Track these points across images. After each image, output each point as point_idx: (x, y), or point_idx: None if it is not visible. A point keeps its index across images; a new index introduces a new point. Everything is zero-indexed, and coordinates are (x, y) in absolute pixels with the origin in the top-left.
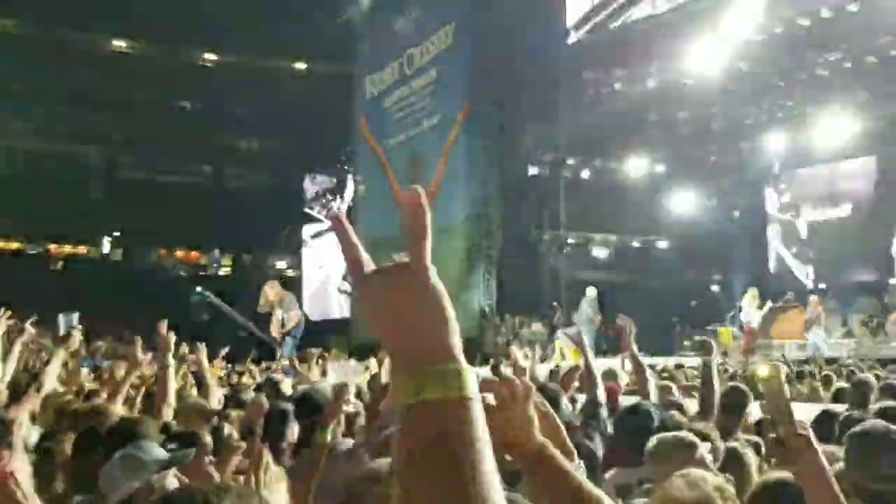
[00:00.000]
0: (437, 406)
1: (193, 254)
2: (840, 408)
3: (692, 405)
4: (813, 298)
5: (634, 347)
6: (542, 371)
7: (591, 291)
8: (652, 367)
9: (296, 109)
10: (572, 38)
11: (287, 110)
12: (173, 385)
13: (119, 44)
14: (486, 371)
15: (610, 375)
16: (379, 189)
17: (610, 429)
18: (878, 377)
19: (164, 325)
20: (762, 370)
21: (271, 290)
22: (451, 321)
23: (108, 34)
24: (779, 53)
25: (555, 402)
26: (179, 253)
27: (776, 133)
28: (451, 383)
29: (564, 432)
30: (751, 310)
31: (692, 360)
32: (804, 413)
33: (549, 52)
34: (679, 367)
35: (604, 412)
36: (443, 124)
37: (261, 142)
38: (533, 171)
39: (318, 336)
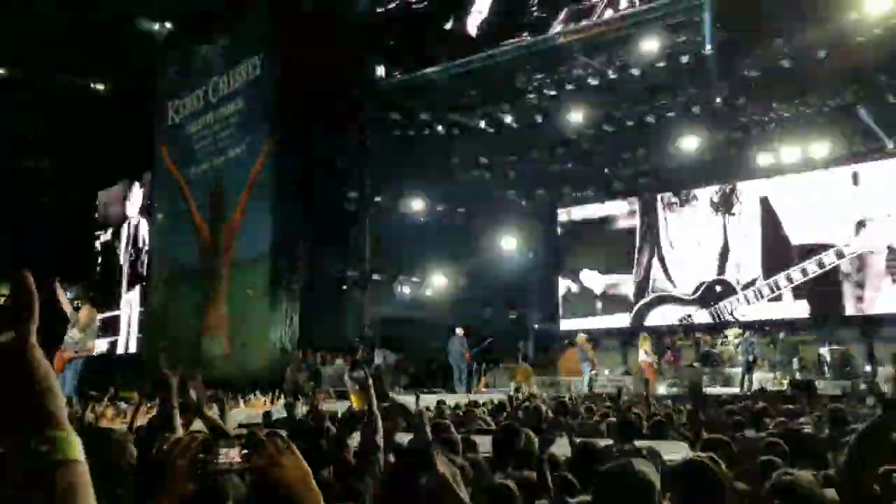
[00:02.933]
0: (44, 472)
1: None
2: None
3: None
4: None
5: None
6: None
7: (459, 331)
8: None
9: (89, 130)
10: (380, 77)
11: (79, 130)
12: None
13: None
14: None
15: (391, 413)
16: (179, 217)
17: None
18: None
19: None
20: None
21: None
22: (53, 390)
23: None
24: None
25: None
26: None
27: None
28: (55, 448)
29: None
30: (643, 349)
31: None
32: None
33: (358, 89)
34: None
35: (380, 455)
36: (248, 155)
37: (49, 161)
38: (340, 206)
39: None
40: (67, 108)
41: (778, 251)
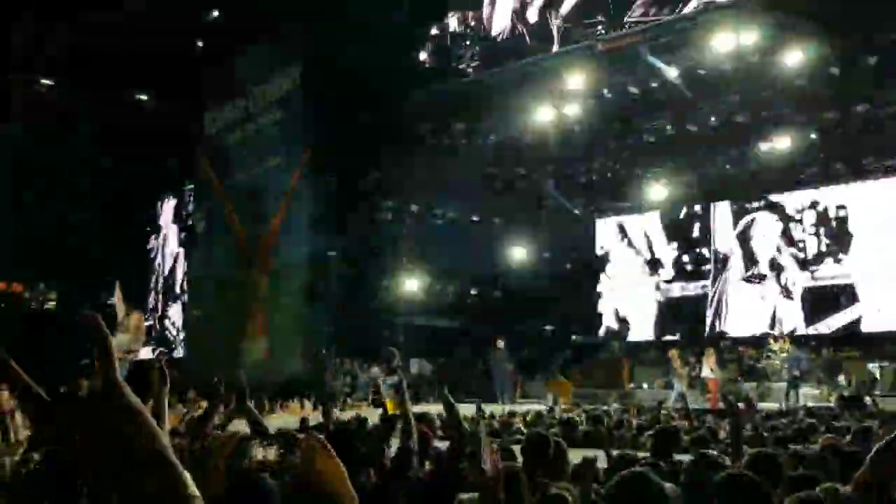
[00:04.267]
0: None
1: (16, 286)
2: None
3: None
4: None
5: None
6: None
7: (501, 342)
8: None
9: (134, 141)
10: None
11: (124, 141)
12: None
13: None
14: None
15: (423, 419)
16: (219, 226)
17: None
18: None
19: None
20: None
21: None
22: (154, 433)
23: None
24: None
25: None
26: (1, 285)
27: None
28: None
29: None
30: (708, 364)
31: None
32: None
33: (394, 101)
34: (512, 414)
35: (415, 460)
36: (286, 165)
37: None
38: (375, 216)
39: None
40: (113, 119)
41: None
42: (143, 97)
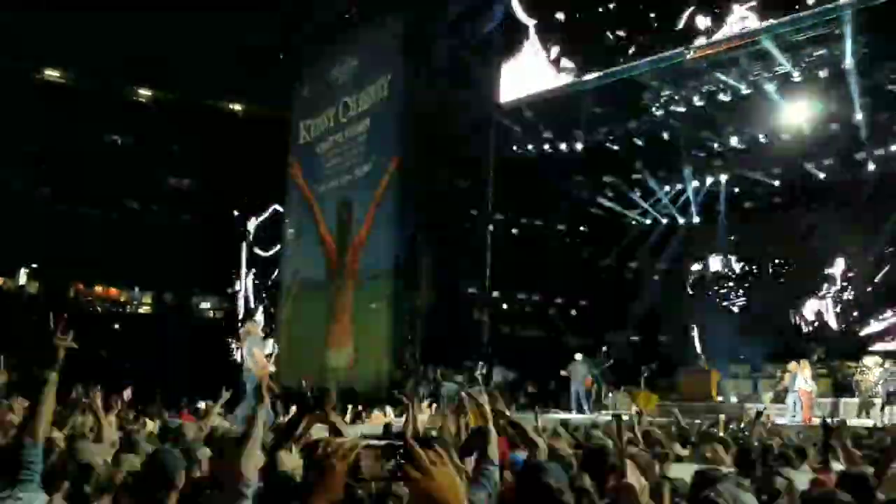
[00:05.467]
0: None
1: (112, 290)
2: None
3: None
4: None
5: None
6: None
7: (579, 356)
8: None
9: (229, 150)
10: (503, 99)
11: (220, 150)
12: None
13: (52, 73)
14: None
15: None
16: (308, 233)
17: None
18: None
19: None
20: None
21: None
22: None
23: (41, 63)
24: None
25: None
26: (98, 288)
27: None
28: None
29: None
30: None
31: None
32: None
33: (479, 110)
34: (595, 426)
35: (494, 471)
36: (374, 173)
37: (191, 180)
38: (462, 224)
39: None
40: (209, 129)
41: None
42: (237, 107)
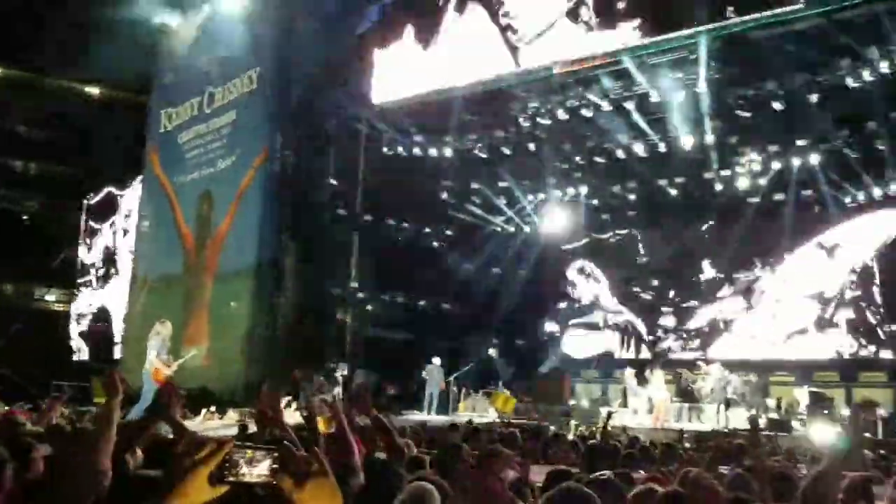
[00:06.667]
0: None
1: None
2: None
3: None
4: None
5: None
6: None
7: (437, 360)
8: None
9: (83, 134)
10: (376, 100)
11: (73, 134)
12: None
13: None
14: None
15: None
16: (165, 225)
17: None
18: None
19: None
20: None
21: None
22: None
23: None
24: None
25: None
26: None
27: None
28: None
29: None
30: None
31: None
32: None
33: (351, 110)
34: (453, 427)
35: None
36: (238, 167)
37: (39, 164)
38: (328, 223)
39: None
40: (60, 110)
41: None
42: (95, 90)
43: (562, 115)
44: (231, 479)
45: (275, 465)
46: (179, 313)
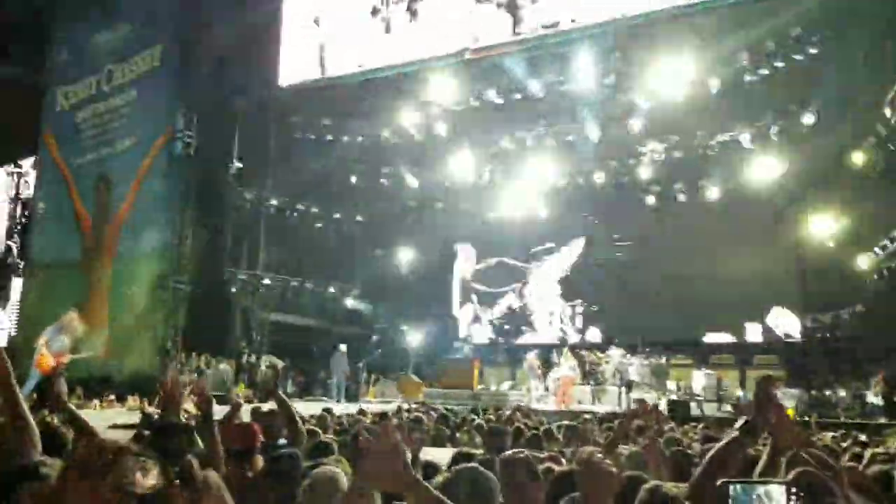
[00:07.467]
0: None
1: None
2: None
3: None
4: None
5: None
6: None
7: (343, 347)
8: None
9: None
10: (284, 82)
11: None
12: None
13: None
14: None
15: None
16: (59, 209)
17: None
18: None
19: None
20: None
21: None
22: None
23: None
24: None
25: None
26: None
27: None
28: None
29: None
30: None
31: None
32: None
33: (259, 92)
34: (362, 412)
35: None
36: (139, 148)
37: None
38: (234, 208)
39: None
40: None
41: None
42: None
43: (472, 101)
44: (125, 485)
45: (176, 479)
46: (78, 298)
